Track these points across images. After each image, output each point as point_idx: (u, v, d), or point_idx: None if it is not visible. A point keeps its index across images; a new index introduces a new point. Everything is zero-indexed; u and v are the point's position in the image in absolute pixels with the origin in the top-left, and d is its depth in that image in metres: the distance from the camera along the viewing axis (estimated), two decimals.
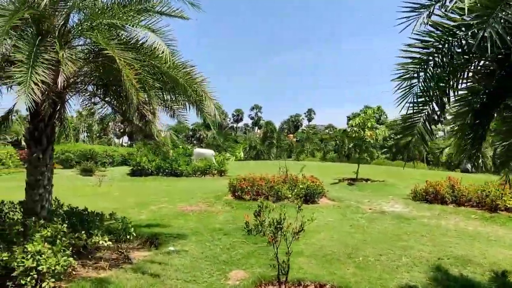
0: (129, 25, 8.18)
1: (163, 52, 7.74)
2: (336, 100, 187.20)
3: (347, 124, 23.79)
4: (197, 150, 27.61)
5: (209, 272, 8.29)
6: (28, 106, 6.37)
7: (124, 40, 8.68)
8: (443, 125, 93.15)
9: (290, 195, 14.67)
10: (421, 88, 5.96)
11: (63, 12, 8.44)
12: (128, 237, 8.98)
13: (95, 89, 10.29)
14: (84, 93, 10.41)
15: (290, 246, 7.20)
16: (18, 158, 30.06)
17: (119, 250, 8.98)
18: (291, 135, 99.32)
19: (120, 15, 8.15)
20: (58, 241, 7.47)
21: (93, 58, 8.55)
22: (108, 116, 11.66)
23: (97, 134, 74.05)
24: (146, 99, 8.13)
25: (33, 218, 8.15)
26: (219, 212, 13.68)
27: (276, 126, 75.85)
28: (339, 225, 12.25)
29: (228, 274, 8.25)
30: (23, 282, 6.71)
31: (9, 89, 9.61)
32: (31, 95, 6.38)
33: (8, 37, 6.64)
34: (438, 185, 16.30)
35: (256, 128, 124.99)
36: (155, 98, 8.41)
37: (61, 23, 8.64)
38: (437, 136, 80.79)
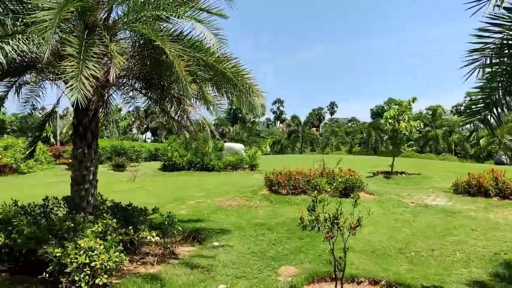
0: (174, 17, 8.03)
1: (210, 41, 7.58)
2: (358, 93, 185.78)
3: (383, 117, 23.09)
4: (228, 144, 27.50)
5: (259, 268, 8.11)
6: (79, 101, 6.25)
7: (168, 32, 8.52)
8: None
9: (329, 189, 14.39)
10: (493, 72, 5.63)
11: (106, 5, 8.33)
12: (174, 232, 8.87)
13: (133, 82, 10.18)
14: (123, 87, 10.35)
15: (347, 242, 6.95)
16: (50, 154, 30.54)
17: (166, 245, 8.86)
18: (314, 128, 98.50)
19: (165, 7, 7.99)
20: (109, 236, 7.40)
21: (139, 52, 8.41)
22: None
23: (123, 130, 74.78)
24: (197, 91, 7.96)
25: (82, 213, 8.12)
26: (258, 207, 13.50)
27: (301, 120, 75.36)
28: (383, 219, 11.93)
29: (278, 270, 8.06)
30: (76, 278, 6.64)
31: (53, 85, 9.67)
32: (82, 90, 6.27)
33: (59, 31, 6.50)
34: (481, 177, 15.78)
35: (278, 122, 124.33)
36: (206, 90, 8.21)
37: (104, 16, 8.56)
38: (463, 128, 79.07)
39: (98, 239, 7.14)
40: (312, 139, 66.75)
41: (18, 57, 8.50)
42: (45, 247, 7.10)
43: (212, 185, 18.92)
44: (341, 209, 6.84)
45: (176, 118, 10.68)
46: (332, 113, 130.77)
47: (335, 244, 7.03)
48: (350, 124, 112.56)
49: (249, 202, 14.19)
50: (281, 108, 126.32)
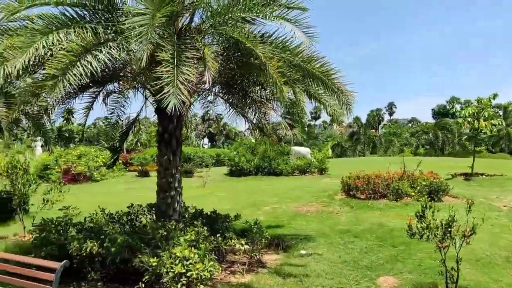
0: (262, 17, 7.74)
1: (300, 39, 7.34)
2: (415, 92, 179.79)
3: (458, 116, 21.80)
4: (295, 148, 26.97)
5: (355, 279, 7.64)
6: (177, 107, 6.11)
7: (252, 34, 8.26)
8: None
9: (413, 193, 13.58)
10: None
11: (189, 9, 8.22)
12: (263, 240, 8.58)
13: (211, 86, 10.04)
14: (203, 92, 10.27)
15: (459, 252, 6.36)
16: (120, 162, 31.40)
17: (253, 253, 8.57)
18: (373, 130, 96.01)
19: (250, 8, 7.74)
20: (201, 245, 7.22)
21: (224, 55, 8.23)
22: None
23: (184, 137, 76.27)
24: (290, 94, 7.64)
25: (173, 221, 8.01)
26: (339, 213, 12.95)
27: (362, 121, 73.48)
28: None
29: (376, 280, 7.56)
30: None
31: (136, 93, 9.71)
32: (179, 95, 6.13)
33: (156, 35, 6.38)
34: None
35: (335, 124, 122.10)
36: (300, 92, 7.86)
37: (187, 21, 8.47)
38: None
39: (192, 248, 6.98)
40: (374, 141, 64.86)
41: (104, 67, 8.59)
42: (139, 256, 7.04)
43: (281, 190, 18.53)
44: (454, 216, 6.29)
45: (254, 121, 10.46)
46: (391, 114, 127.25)
47: (436, 253, 6.59)
48: (410, 124, 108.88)
49: (328, 208, 13.67)
50: None
